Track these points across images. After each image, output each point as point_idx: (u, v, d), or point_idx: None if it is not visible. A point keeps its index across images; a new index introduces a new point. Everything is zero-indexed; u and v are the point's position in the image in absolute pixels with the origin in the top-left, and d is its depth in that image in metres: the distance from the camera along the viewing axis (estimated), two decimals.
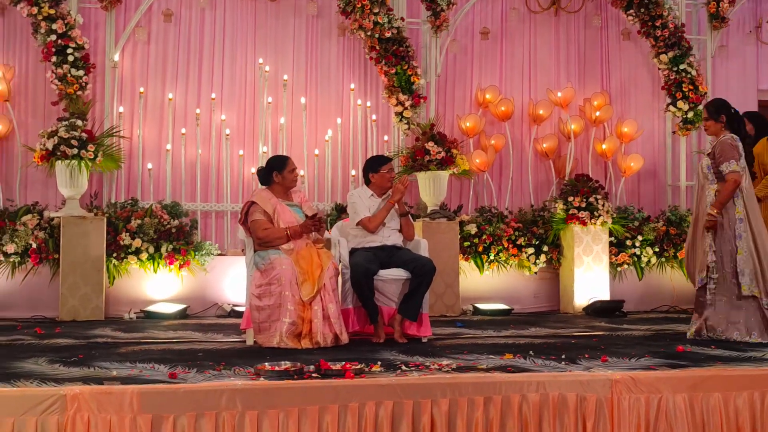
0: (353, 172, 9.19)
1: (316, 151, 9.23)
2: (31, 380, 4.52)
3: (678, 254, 9.53)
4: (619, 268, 9.49)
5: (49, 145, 7.87)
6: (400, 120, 9.17)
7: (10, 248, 7.97)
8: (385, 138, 9.47)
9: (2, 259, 8.02)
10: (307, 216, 6.46)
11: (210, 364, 5.12)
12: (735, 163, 6.54)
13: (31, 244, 8.00)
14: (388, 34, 8.98)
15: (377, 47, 9.05)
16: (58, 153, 7.85)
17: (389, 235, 6.76)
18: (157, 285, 8.38)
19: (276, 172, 6.54)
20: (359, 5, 8.91)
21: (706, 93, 9.99)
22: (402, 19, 9.16)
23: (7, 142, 8.55)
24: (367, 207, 6.76)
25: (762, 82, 10.61)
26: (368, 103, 9.50)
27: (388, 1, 9.07)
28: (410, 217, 7.00)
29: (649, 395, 4.76)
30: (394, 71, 9.06)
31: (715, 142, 6.73)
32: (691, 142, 10.28)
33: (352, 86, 9.48)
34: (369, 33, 9.01)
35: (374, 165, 6.89)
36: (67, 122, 7.97)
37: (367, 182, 6.88)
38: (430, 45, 9.46)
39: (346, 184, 9.29)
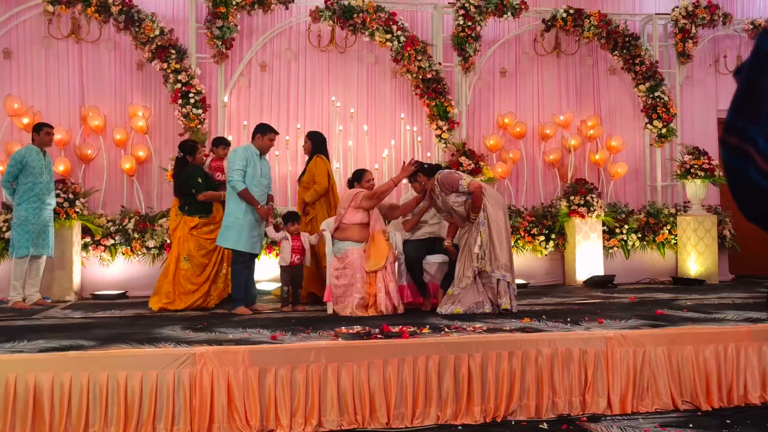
0: (404, 181, 9.14)
1: (376, 166, 9.23)
2: (170, 342, 4.63)
3: (656, 239, 9.40)
4: (610, 250, 9.35)
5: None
6: (440, 140, 9.15)
7: (151, 243, 8.13)
8: (428, 154, 9.44)
9: (145, 251, 8.18)
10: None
11: (301, 329, 5.18)
12: (463, 178, 6.13)
13: (165, 240, 8.14)
14: (429, 76, 8.96)
15: (421, 85, 9.04)
16: None
17: (432, 230, 6.81)
18: (260, 269, 8.43)
19: (356, 182, 6.69)
20: (407, 54, 8.90)
21: (675, 114, 9.81)
22: (439, 63, 9.11)
23: (147, 164, 8.70)
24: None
25: (720, 104, 10.35)
26: (415, 128, 9.48)
27: (429, 50, 9.05)
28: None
29: (636, 348, 4.72)
30: (434, 103, 9.03)
31: (431, 188, 6.37)
32: (665, 151, 10.08)
33: (402, 116, 9.46)
34: (414, 75, 9.00)
35: (410, 178, 6.90)
36: None
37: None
38: (461, 82, 9.41)
39: (399, 190, 9.27)
